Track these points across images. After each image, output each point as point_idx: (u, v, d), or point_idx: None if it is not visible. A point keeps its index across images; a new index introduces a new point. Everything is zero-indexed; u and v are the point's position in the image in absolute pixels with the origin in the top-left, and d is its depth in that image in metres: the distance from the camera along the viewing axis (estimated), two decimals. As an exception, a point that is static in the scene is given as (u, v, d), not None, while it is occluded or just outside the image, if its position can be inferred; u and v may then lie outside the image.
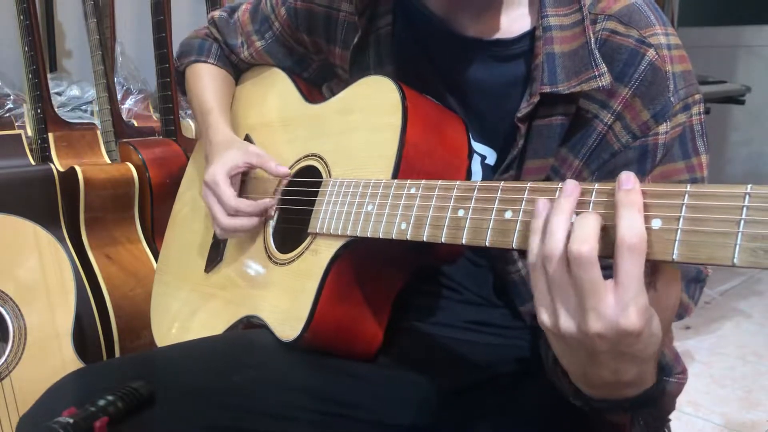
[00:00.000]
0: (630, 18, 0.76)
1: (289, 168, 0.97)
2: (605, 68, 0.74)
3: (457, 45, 0.84)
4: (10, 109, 2.00)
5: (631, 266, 0.51)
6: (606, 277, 0.53)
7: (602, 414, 0.67)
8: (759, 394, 2.06)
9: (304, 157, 0.95)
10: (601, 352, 0.56)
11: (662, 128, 0.75)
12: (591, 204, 0.56)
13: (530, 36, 0.80)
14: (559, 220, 0.55)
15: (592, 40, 0.75)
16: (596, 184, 0.56)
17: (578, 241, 0.53)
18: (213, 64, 1.15)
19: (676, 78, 0.75)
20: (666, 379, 0.67)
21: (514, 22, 0.82)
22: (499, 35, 0.82)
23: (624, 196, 0.53)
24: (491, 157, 0.86)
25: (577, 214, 0.55)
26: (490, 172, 0.86)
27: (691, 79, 0.77)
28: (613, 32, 0.76)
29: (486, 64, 0.83)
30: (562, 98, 0.76)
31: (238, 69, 1.17)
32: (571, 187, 0.56)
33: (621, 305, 0.52)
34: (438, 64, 0.88)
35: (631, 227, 0.51)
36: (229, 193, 0.96)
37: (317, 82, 1.08)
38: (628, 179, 0.53)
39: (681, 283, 0.75)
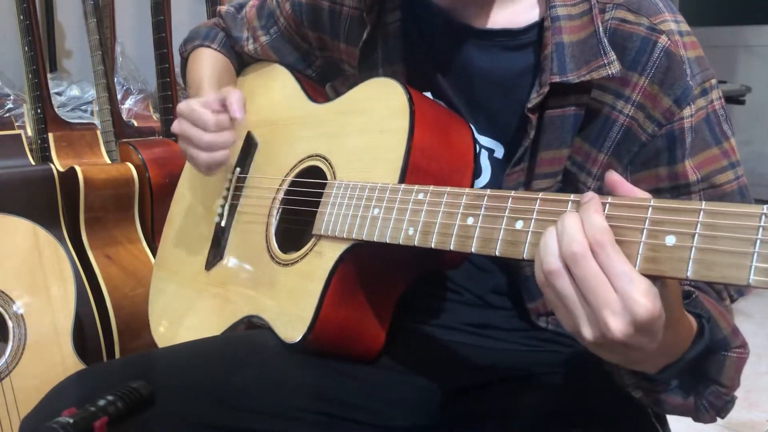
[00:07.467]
0: (639, 6, 0.76)
1: (292, 168, 0.97)
2: (614, 56, 0.74)
3: (464, 36, 0.84)
4: (10, 109, 2.00)
5: (606, 258, 0.52)
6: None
7: (664, 403, 0.67)
8: (759, 394, 2.06)
9: (308, 158, 0.95)
10: (636, 348, 0.54)
11: (686, 112, 0.75)
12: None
13: (538, 26, 0.80)
14: (552, 238, 0.55)
15: (601, 29, 0.75)
16: (610, 198, 0.56)
17: (566, 242, 0.54)
18: (216, 49, 1.15)
19: (691, 63, 0.75)
20: (725, 354, 0.68)
21: (522, 12, 0.82)
22: (506, 25, 0.82)
23: (582, 208, 0.55)
24: (499, 151, 0.86)
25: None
26: (499, 166, 0.86)
27: (705, 64, 0.78)
28: (623, 21, 0.76)
29: (493, 55, 0.83)
30: (574, 88, 0.76)
31: (241, 59, 1.17)
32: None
33: (624, 294, 0.52)
34: (444, 56, 0.87)
35: (591, 225, 0.53)
36: (207, 112, 0.95)
37: (321, 81, 1.08)
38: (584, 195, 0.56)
39: None
